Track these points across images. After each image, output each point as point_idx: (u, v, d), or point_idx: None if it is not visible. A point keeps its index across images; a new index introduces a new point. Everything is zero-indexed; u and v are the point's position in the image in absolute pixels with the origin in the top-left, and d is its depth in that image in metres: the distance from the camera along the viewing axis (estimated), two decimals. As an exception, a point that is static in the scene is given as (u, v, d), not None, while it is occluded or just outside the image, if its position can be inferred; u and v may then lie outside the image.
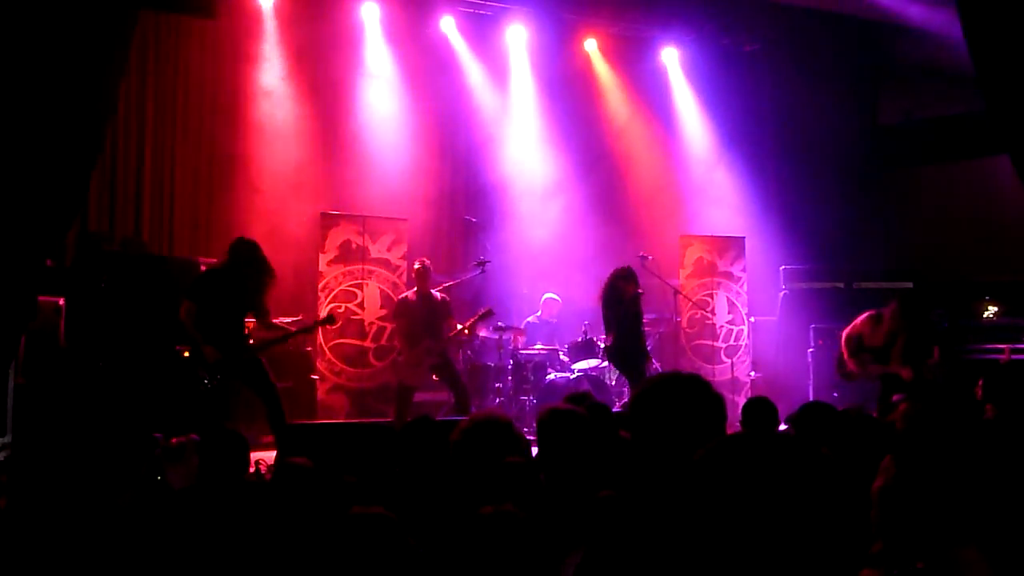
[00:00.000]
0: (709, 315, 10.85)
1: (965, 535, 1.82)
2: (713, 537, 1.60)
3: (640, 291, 8.58)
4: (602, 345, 9.16)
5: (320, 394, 9.17)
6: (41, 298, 7.24)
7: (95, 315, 7.73)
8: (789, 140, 12.24)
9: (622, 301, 8.45)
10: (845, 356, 8.06)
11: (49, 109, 5.00)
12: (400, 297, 8.84)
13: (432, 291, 8.62)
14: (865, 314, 8.12)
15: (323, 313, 8.76)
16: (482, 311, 8.78)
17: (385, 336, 9.47)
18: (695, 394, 2.29)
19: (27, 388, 6.59)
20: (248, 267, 6.92)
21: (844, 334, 8.13)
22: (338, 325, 9.21)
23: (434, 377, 8.64)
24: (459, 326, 8.54)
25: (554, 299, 10.34)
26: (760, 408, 4.92)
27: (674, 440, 2.20)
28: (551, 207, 11.23)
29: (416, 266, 8.65)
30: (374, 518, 2.62)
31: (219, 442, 4.00)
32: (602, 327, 8.90)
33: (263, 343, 7.17)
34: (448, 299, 8.78)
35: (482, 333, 9.59)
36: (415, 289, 8.63)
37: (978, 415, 4.39)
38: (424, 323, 8.48)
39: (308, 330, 7.82)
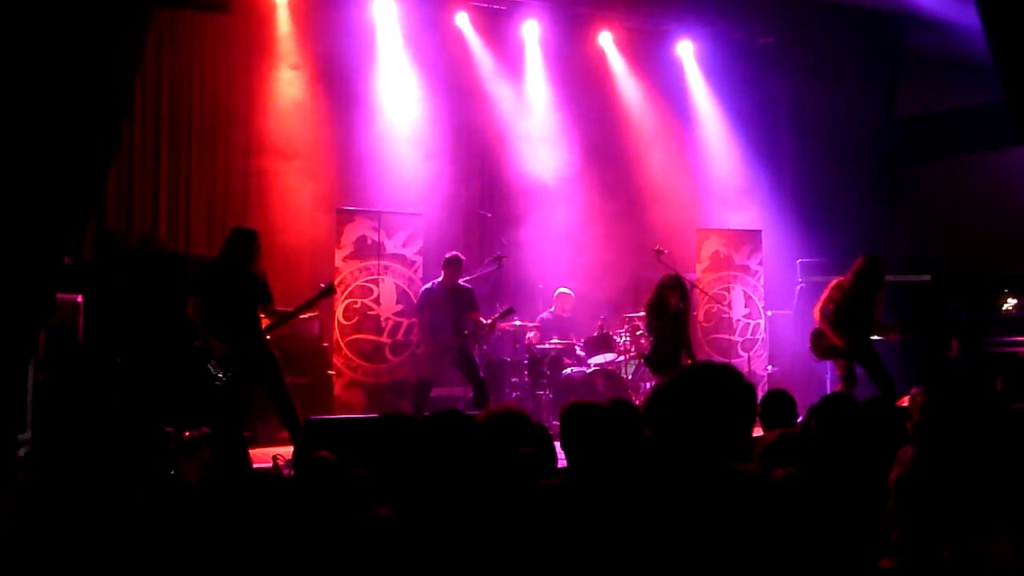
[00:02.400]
0: (726, 309, 10.81)
1: (992, 524, 1.80)
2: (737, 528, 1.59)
3: (682, 305, 8.45)
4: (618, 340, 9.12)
5: (337, 389, 9.17)
6: (59, 295, 7.28)
7: (113, 312, 7.76)
8: (805, 133, 12.16)
9: (665, 312, 8.37)
10: (829, 330, 7.89)
11: (66, 107, 5.02)
12: (424, 288, 8.76)
13: (459, 282, 8.57)
14: (832, 282, 8.02)
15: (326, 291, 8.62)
16: (503, 310, 8.75)
17: (401, 331, 9.47)
18: (728, 384, 2.28)
19: (46, 384, 6.62)
20: (244, 256, 6.92)
21: (818, 308, 7.98)
22: (354, 321, 9.25)
23: (450, 371, 8.62)
24: (483, 320, 8.52)
25: (567, 294, 10.32)
26: (779, 401, 4.89)
27: (707, 430, 2.19)
28: (566, 201, 11.20)
29: (448, 255, 8.61)
30: (377, 520, 2.61)
31: (227, 437, 4.00)
32: (627, 324, 9.01)
33: (267, 328, 7.10)
34: (473, 290, 8.72)
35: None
36: (440, 280, 8.57)
37: (999, 406, 4.35)
38: (447, 316, 8.43)
39: (310, 304, 7.37)
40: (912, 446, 2.95)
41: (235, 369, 6.79)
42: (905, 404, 5.32)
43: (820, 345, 8.07)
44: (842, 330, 7.83)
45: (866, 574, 1.81)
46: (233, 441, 4.06)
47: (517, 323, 9.59)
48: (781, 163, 12.42)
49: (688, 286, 8.70)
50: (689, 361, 8.44)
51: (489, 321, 8.60)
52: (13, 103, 4.86)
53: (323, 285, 7.49)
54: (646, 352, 8.78)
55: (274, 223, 9.51)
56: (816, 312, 8.00)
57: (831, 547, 1.54)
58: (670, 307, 8.36)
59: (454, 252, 8.67)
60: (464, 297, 8.55)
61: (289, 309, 7.24)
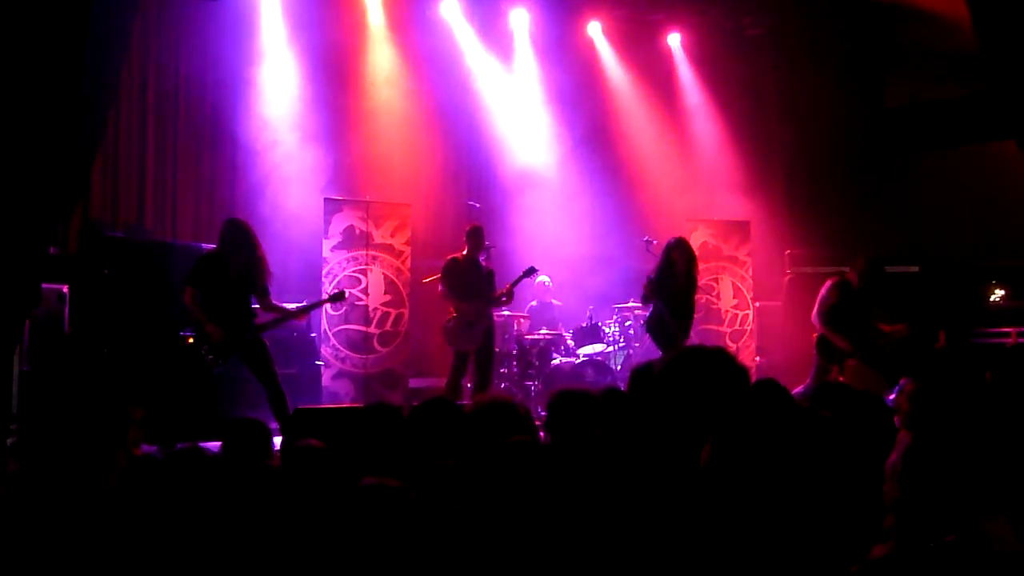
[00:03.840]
0: (714, 300, 10.84)
1: (993, 506, 1.82)
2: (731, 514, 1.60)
3: (688, 265, 8.23)
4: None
5: (325, 380, 9.19)
6: (45, 285, 7.26)
7: (99, 302, 7.74)
8: (794, 123, 12.18)
9: (674, 274, 8.20)
10: (831, 334, 7.88)
11: (52, 97, 4.99)
12: (449, 258, 8.50)
13: (479, 258, 8.48)
14: (827, 283, 8.00)
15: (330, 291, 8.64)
16: (525, 269, 8.63)
17: (389, 322, 9.49)
18: (720, 367, 2.29)
19: (32, 375, 6.61)
20: (237, 247, 6.96)
21: (818, 313, 7.92)
22: (342, 312, 9.25)
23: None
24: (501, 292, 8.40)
25: (543, 282, 10.31)
26: (770, 391, 4.90)
27: (700, 412, 2.20)
28: (555, 192, 11.22)
29: (469, 228, 8.52)
30: (385, 490, 2.62)
31: (242, 431, 3.97)
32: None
33: (270, 323, 7.19)
34: (493, 271, 8.57)
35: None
36: (464, 252, 8.44)
37: (990, 395, 4.38)
38: (477, 283, 8.32)
39: (316, 306, 7.78)
40: (908, 432, 2.97)
41: (227, 355, 6.88)
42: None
43: (830, 350, 7.98)
44: (845, 333, 7.82)
45: (858, 561, 1.82)
46: (255, 431, 4.03)
47: (506, 313, 9.59)
48: (770, 154, 12.44)
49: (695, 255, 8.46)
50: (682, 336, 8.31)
51: (510, 285, 8.47)
52: (-1, 92, 4.82)
53: (333, 291, 7.80)
54: (648, 321, 8.49)
55: (261, 213, 9.47)
56: (815, 318, 7.95)
57: (822, 535, 1.55)
58: (678, 267, 8.17)
59: (476, 224, 8.59)
60: (485, 276, 8.44)
61: (288, 307, 7.35)
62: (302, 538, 2.89)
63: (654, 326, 8.36)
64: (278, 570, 2.72)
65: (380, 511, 2.63)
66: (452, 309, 8.32)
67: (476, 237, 8.40)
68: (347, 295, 8.16)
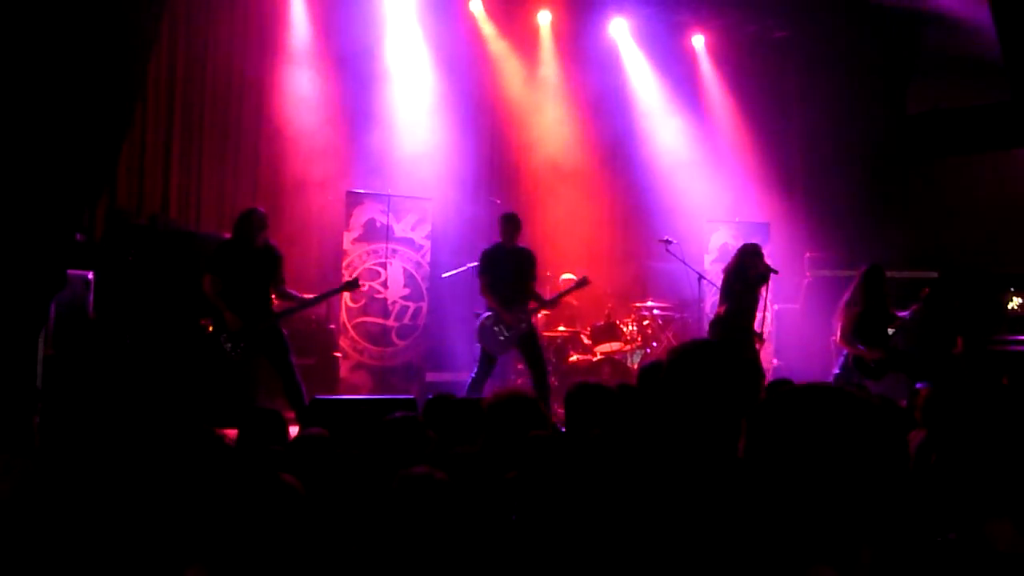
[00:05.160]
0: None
1: (998, 508, 1.82)
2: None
3: (764, 271, 8.08)
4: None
5: (343, 372, 9.25)
6: (71, 272, 7.33)
7: (123, 289, 7.81)
8: (817, 127, 12.13)
9: (747, 278, 8.06)
10: (863, 350, 7.86)
11: (80, 87, 5.05)
12: (486, 249, 8.07)
13: (518, 245, 8.09)
14: (841, 305, 7.97)
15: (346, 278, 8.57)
16: (578, 280, 8.44)
17: (408, 315, 9.53)
18: (728, 361, 2.29)
19: (56, 359, 6.67)
20: (246, 233, 7.05)
21: (841, 335, 7.86)
22: (361, 304, 9.29)
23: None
24: (542, 300, 8.21)
25: (569, 279, 10.31)
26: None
27: (708, 408, 2.20)
28: (575, 189, 11.22)
29: (504, 212, 8.20)
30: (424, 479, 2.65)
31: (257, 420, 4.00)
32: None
33: (287, 310, 7.27)
34: (535, 255, 8.21)
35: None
36: (500, 241, 8.05)
37: (1007, 401, 4.36)
38: (514, 281, 7.94)
39: (332, 293, 7.78)
40: (920, 432, 2.99)
41: (246, 344, 6.94)
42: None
43: (871, 368, 7.95)
44: (873, 344, 7.80)
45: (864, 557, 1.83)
46: (270, 420, 4.06)
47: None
48: (791, 157, 12.40)
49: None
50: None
51: (559, 294, 8.34)
52: (29, 82, 4.88)
53: (348, 278, 7.66)
54: (718, 316, 8.20)
55: (283, 205, 9.54)
56: (841, 340, 7.91)
57: (824, 530, 1.56)
58: (751, 271, 8.05)
59: (511, 212, 8.26)
60: (527, 264, 8.05)
61: (298, 293, 7.37)
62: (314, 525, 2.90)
63: (718, 327, 8.12)
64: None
65: (425, 501, 2.65)
66: (489, 305, 8.00)
67: (511, 224, 8.03)
68: (361, 283, 8.00)
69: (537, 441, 3.37)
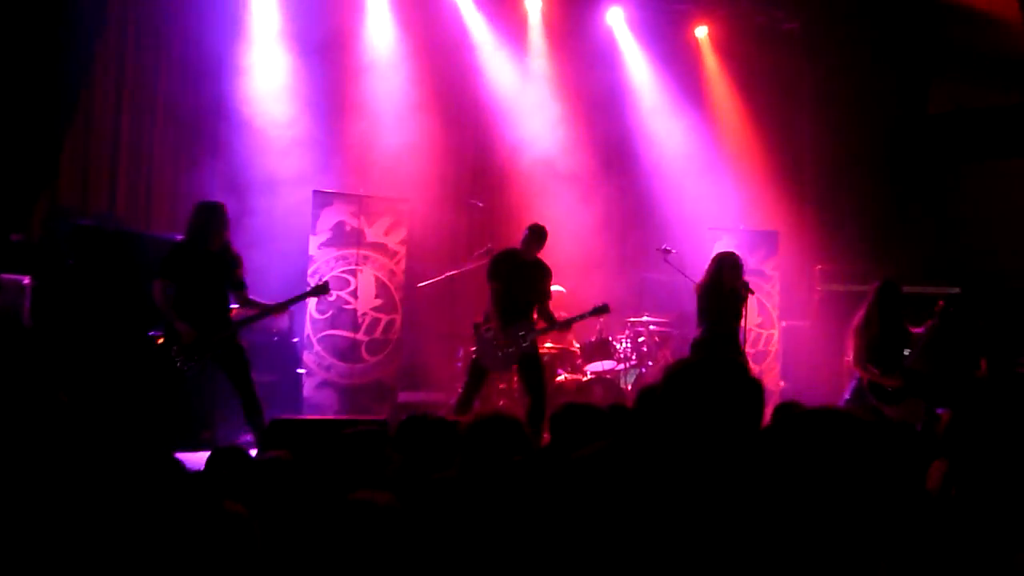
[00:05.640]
0: (737, 316, 10.80)
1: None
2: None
3: (743, 285, 8.01)
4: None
5: (307, 390, 9.19)
6: (5, 275, 7.26)
7: (63, 296, 7.73)
8: (829, 127, 12.16)
9: (721, 295, 7.97)
10: (879, 375, 7.84)
11: (19, 76, 5.00)
12: (497, 256, 8.12)
13: (538, 257, 8.06)
14: (852, 327, 7.93)
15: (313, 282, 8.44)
16: (597, 306, 8.33)
17: (380, 328, 9.47)
18: (731, 379, 2.26)
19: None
20: (211, 234, 6.94)
21: (855, 358, 7.82)
22: (328, 315, 9.24)
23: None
24: (555, 318, 8.13)
25: (559, 291, 10.29)
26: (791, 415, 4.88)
27: (709, 432, 2.17)
28: (566, 193, 11.20)
29: (537, 225, 8.10)
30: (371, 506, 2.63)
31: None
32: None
33: (247, 318, 7.18)
34: (549, 271, 8.16)
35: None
36: (519, 250, 8.04)
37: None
38: (524, 295, 7.95)
39: (299, 299, 7.54)
40: (943, 461, 2.96)
41: (200, 359, 6.82)
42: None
43: (888, 393, 7.93)
44: (889, 368, 7.75)
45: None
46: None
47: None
48: (802, 160, 12.44)
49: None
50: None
51: (573, 318, 8.27)
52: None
53: (315, 283, 7.55)
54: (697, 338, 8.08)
55: (244, 204, 9.45)
56: (855, 364, 7.87)
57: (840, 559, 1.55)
58: (725, 286, 7.96)
59: (541, 226, 8.15)
60: (540, 278, 8.03)
61: (262, 301, 7.25)
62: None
63: (699, 350, 7.98)
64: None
65: (366, 527, 2.64)
66: (491, 315, 7.94)
67: (538, 237, 8.01)
68: (331, 287, 7.88)
69: (517, 467, 3.33)
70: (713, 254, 8.45)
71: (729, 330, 8.00)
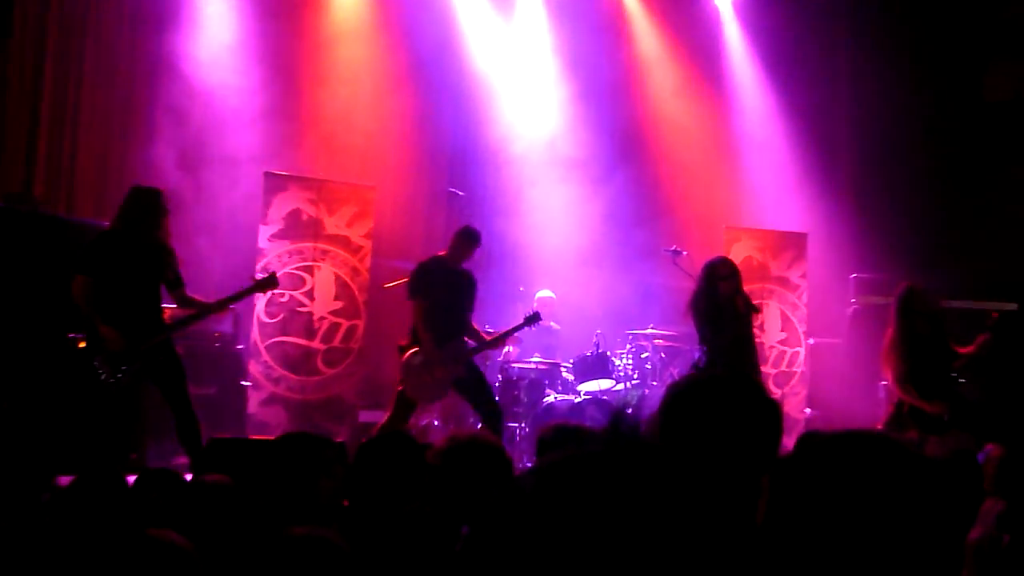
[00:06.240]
0: (756, 332, 10.77)
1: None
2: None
3: (742, 299, 7.95)
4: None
5: (252, 406, 9.17)
6: None
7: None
8: (868, 115, 12.18)
9: (719, 307, 7.85)
10: (921, 402, 7.79)
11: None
12: (421, 264, 8.12)
13: (465, 267, 8.15)
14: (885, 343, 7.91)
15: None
16: (528, 315, 8.39)
17: (339, 336, 9.44)
18: (743, 399, 2.24)
19: None
20: (146, 222, 6.90)
21: (895, 380, 7.79)
22: (279, 319, 9.19)
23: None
24: (489, 330, 8.25)
25: (549, 297, 10.26)
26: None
27: (719, 460, 2.14)
28: (558, 183, 11.21)
29: (467, 228, 8.14)
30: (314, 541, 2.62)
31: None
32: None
33: (183, 320, 7.14)
34: (475, 281, 8.24)
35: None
36: (444, 255, 8.10)
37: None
38: (454, 309, 7.95)
39: (243, 295, 7.47)
40: (997, 501, 2.94)
41: (128, 368, 6.74)
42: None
43: (932, 422, 7.85)
44: (932, 394, 7.68)
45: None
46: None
47: (490, 329, 9.53)
48: (838, 151, 12.45)
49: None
50: None
51: (504, 332, 8.32)
52: None
53: (261, 275, 7.50)
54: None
55: (183, 188, 9.40)
56: (895, 386, 7.84)
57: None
58: (721, 297, 7.80)
59: (474, 230, 8.19)
60: (468, 288, 8.12)
61: (208, 300, 7.22)
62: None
63: None
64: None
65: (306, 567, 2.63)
66: (420, 336, 7.92)
67: (467, 242, 8.05)
68: (281, 285, 7.84)
69: (493, 497, 3.29)
70: (739, 256, 8.33)
71: (736, 350, 7.91)
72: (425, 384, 7.89)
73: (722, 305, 7.87)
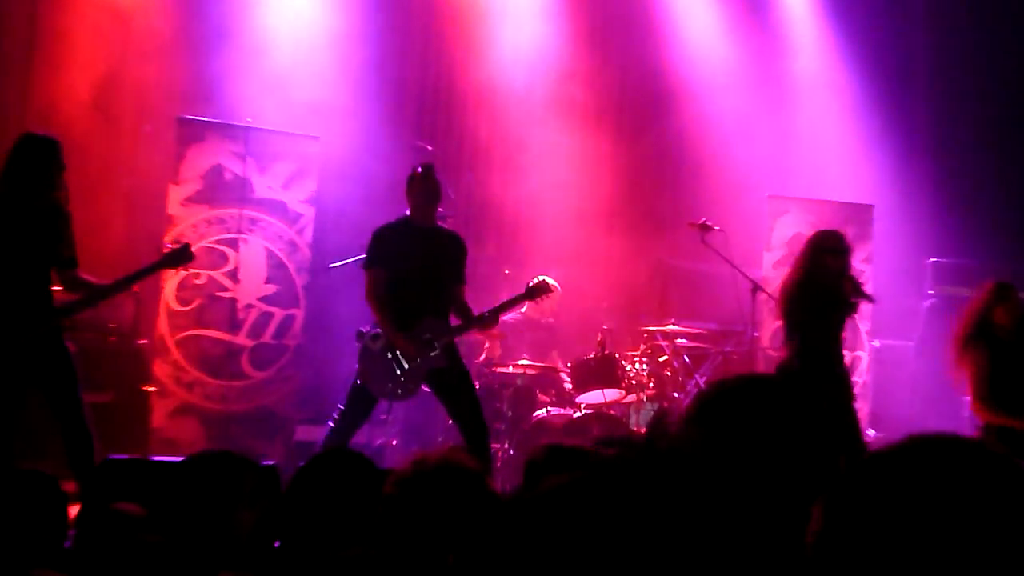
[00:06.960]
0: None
1: None
2: None
3: (850, 282, 7.94)
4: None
5: (158, 417, 9.19)
6: None
7: None
8: (950, 78, 12.36)
9: (825, 287, 7.86)
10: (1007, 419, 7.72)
11: None
12: (378, 229, 7.97)
13: (439, 223, 8.14)
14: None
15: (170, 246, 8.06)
16: (533, 284, 8.31)
17: (271, 329, 9.42)
18: (794, 408, 2.25)
19: None
20: (37, 179, 6.86)
21: (974, 396, 7.83)
22: (195, 305, 9.11)
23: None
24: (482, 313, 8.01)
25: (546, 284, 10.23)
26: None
27: (759, 480, 2.16)
28: (565, 142, 11.22)
29: (422, 168, 7.98)
30: None
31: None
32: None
33: (74, 304, 7.05)
34: (463, 241, 8.17)
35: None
36: (406, 216, 7.97)
37: None
38: (426, 282, 7.82)
39: (148, 272, 7.39)
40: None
41: (6, 366, 6.70)
42: None
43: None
44: (1019, 411, 7.67)
45: None
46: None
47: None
48: (911, 116, 12.50)
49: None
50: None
51: (499, 306, 8.20)
52: None
53: (171, 246, 7.50)
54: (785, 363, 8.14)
55: (77, 139, 9.30)
56: (975, 403, 7.86)
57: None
58: (827, 278, 7.84)
59: (426, 164, 8.07)
60: (450, 250, 7.98)
61: (103, 281, 7.16)
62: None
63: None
64: None
65: None
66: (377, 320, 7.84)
67: (426, 188, 7.86)
68: (196, 258, 7.70)
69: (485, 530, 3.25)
70: (786, 234, 8.32)
71: (833, 351, 7.99)
72: (387, 375, 7.74)
73: (828, 286, 7.84)
